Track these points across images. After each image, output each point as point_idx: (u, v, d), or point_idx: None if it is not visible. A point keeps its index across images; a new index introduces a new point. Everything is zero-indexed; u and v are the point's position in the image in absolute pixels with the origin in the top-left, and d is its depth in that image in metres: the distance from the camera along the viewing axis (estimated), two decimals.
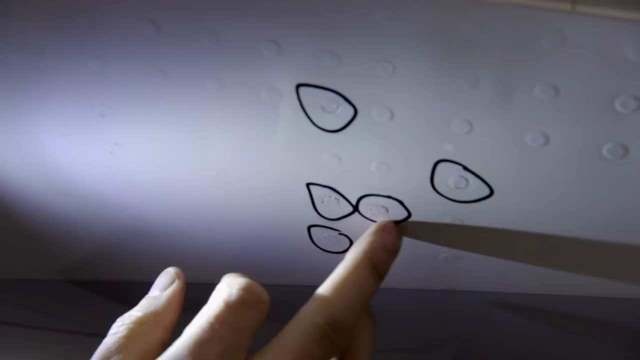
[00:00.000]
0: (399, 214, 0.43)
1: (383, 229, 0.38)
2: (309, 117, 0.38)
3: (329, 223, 0.46)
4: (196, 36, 0.35)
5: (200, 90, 0.38)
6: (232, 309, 0.32)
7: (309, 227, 0.46)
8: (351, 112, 0.37)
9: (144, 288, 0.46)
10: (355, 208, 0.44)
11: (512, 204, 0.40)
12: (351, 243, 0.48)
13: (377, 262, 0.37)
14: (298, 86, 0.36)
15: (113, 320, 0.37)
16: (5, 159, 0.46)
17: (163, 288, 0.39)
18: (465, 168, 0.38)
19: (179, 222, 0.50)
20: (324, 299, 0.34)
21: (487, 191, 0.39)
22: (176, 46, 0.35)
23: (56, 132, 0.43)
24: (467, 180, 0.39)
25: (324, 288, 0.35)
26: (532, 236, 0.42)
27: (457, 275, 0.49)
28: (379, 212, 0.44)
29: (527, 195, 0.39)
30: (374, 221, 0.44)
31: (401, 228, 0.43)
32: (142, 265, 0.55)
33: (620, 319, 0.51)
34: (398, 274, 0.50)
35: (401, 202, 0.42)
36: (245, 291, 0.33)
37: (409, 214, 0.43)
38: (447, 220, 0.43)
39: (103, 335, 0.35)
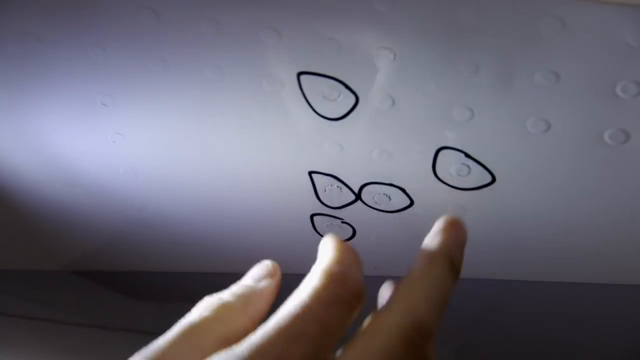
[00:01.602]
0: (401, 201, 0.43)
1: (453, 225, 0.36)
2: (310, 105, 0.38)
3: (332, 211, 0.46)
4: (196, 24, 0.35)
5: (201, 79, 0.38)
6: (325, 305, 0.30)
7: (312, 216, 0.47)
8: (353, 99, 0.37)
9: (147, 278, 0.47)
10: (358, 196, 0.44)
11: (514, 191, 0.40)
12: (354, 231, 0.48)
13: (455, 259, 0.35)
14: (299, 74, 0.36)
15: (117, 311, 0.36)
16: (8, 151, 0.46)
17: (258, 279, 0.37)
18: (467, 155, 0.38)
19: (182, 211, 0.50)
20: (407, 298, 0.31)
21: (489, 178, 0.39)
22: (177, 34, 0.36)
23: (58, 122, 0.43)
24: (469, 167, 0.39)
25: (405, 286, 0.33)
26: (534, 222, 0.42)
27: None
28: (382, 200, 0.44)
29: (529, 181, 0.39)
30: (376, 209, 0.44)
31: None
32: (145, 255, 0.55)
33: (625, 305, 0.51)
34: (401, 262, 0.50)
35: (403, 190, 0.42)
36: (344, 286, 0.31)
37: (412, 202, 0.43)
38: (449, 207, 0.43)
39: (107, 327, 0.35)
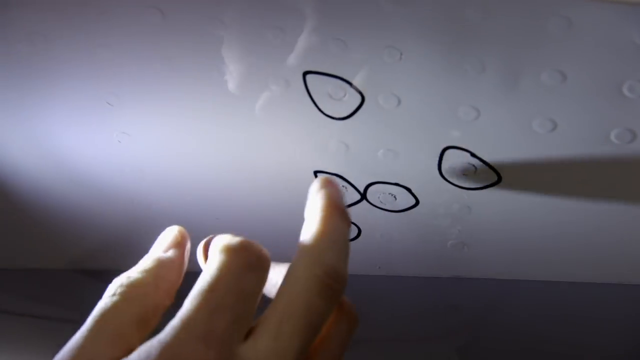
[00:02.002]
0: (407, 201, 0.43)
1: (328, 181, 0.36)
2: (316, 105, 0.38)
3: None
4: (202, 23, 0.35)
5: (207, 78, 0.38)
6: (236, 274, 0.29)
7: None
8: (358, 99, 0.37)
9: None
10: (363, 196, 0.44)
11: (520, 190, 0.40)
12: (359, 231, 0.48)
13: (344, 207, 0.35)
14: (305, 73, 0.36)
15: None
16: (15, 149, 0.46)
17: (166, 249, 0.36)
18: (472, 154, 0.38)
19: (187, 210, 0.50)
20: (313, 250, 0.31)
21: (494, 177, 0.39)
22: (182, 34, 0.36)
23: (64, 121, 0.43)
24: (474, 166, 0.39)
25: (308, 241, 0.32)
26: (539, 222, 0.42)
27: (465, 263, 0.49)
28: (387, 200, 0.44)
29: (535, 181, 0.39)
30: (381, 209, 0.44)
31: None
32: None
33: (629, 305, 0.51)
34: (406, 262, 0.50)
35: (409, 190, 0.42)
36: (246, 252, 0.31)
37: (417, 201, 0.43)
38: (455, 207, 0.43)
39: None
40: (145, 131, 0.43)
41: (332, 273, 0.30)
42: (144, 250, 0.55)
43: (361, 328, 0.43)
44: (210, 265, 0.30)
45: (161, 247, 0.35)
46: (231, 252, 0.30)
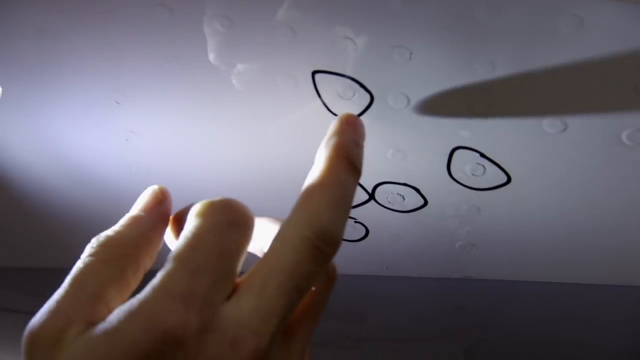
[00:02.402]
0: (415, 201, 0.43)
1: (347, 122, 0.33)
2: (325, 104, 0.38)
3: None
4: (210, 21, 0.35)
5: (215, 77, 0.38)
6: (218, 232, 0.28)
7: None
8: (367, 98, 0.37)
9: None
10: (371, 196, 0.43)
11: (530, 191, 0.40)
12: (367, 231, 0.48)
13: (353, 159, 0.31)
14: (314, 73, 0.36)
15: None
16: (22, 148, 0.46)
17: (147, 208, 0.34)
18: (482, 155, 0.38)
19: None
20: (308, 207, 0.29)
21: (504, 178, 0.39)
22: (190, 32, 0.35)
23: (72, 120, 0.43)
24: (484, 167, 0.39)
25: (305, 196, 0.30)
26: (549, 223, 0.42)
27: (473, 264, 0.49)
28: (395, 200, 0.43)
29: (545, 182, 0.39)
30: (390, 209, 0.44)
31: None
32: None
33: (638, 307, 0.51)
34: (414, 262, 0.50)
35: (417, 190, 0.42)
36: (229, 209, 0.30)
37: (426, 202, 0.43)
38: (463, 208, 0.42)
39: None
40: (152, 130, 0.43)
41: (323, 235, 0.28)
42: None
43: (368, 328, 0.43)
44: (190, 224, 0.29)
45: (141, 206, 0.33)
46: (213, 209, 0.29)
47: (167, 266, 0.27)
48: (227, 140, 0.42)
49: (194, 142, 0.43)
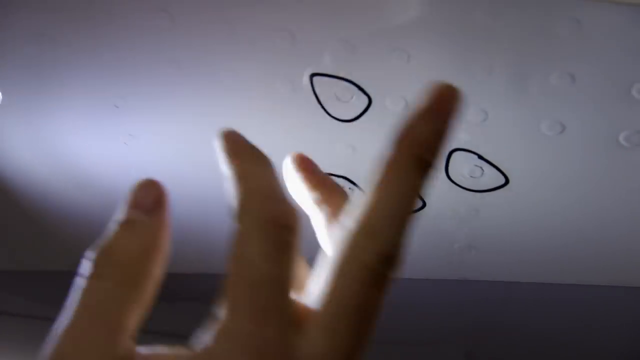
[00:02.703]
0: None
1: (440, 101, 0.24)
2: (323, 107, 0.38)
3: None
4: (210, 27, 0.35)
5: (215, 81, 0.38)
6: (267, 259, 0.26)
7: None
8: (366, 101, 0.37)
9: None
10: None
11: (528, 193, 0.40)
12: None
13: (425, 156, 0.24)
14: (312, 76, 0.36)
15: None
16: (21, 152, 0.46)
17: (149, 208, 0.28)
18: (480, 157, 0.38)
19: (193, 213, 0.50)
20: (369, 227, 0.25)
21: (502, 180, 0.39)
22: (191, 37, 0.35)
23: (71, 123, 0.43)
24: (482, 169, 0.39)
25: (362, 210, 0.25)
26: (547, 224, 0.42)
27: (472, 265, 0.49)
28: None
29: (543, 183, 0.39)
30: None
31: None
32: None
33: (636, 307, 0.51)
34: (412, 264, 0.50)
35: None
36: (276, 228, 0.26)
37: (424, 204, 0.43)
38: (462, 209, 0.43)
39: None
40: (151, 134, 0.43)
41: (385, 260, 0.24)
42: None
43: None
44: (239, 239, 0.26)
45: (142, 206, 0.28)
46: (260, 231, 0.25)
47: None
48: None
49: (191, 146, 0.43)
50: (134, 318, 0.24)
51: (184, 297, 0.53)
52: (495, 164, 0.38)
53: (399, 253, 0.24)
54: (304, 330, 0.25)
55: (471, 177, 0.40)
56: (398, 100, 0.36)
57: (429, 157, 0.22)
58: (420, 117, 0.22)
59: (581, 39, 0.31)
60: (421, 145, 0.23)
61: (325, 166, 0.41)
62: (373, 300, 0.25)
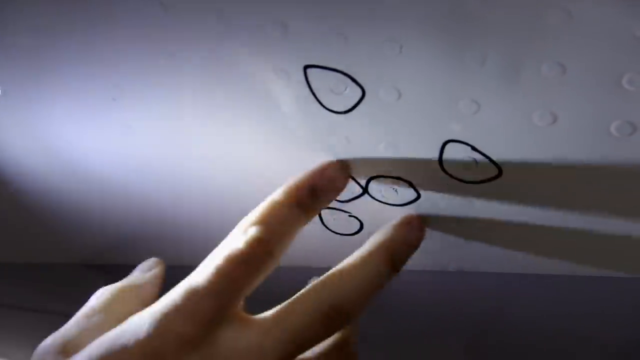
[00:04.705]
0: (409, 195, 0.43)
1: (408, 223, 0.37)
2: (317, 99, 0.38)
3: (339, 205, 0.46)
4: (203, 17, 0.35)
5: (209, 73, 0.38)
6: (236, 264, 0.32)
7: None
8: (359, 93, 0.37)
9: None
10: (365, 190, 0.44)
11: (521, 184, 0.40)
12: (361, 225, 0.48)
13: (396, 256, 0.36)
14: (305, 67, 0.37)
15: None
16: (18, 144, 0.47)
17: (145, 271, 0.41)
18: (473, 148, 0.38)
19: (188, 205, 0.50)
20: (334, 282, 0.34)
21: (495, 171, 0.39)
22: (184, 27, 0.36)
23: (67, 115, 0.43)
24: (475, 160, 0.39)
25: (337, 271, 0.35)
26: (540, 215, 0.42)
27: (468, 256, 0.49)
28: (389, 194, 0.44)
29: (536, 174, 0.39)
30: (383, 203, 0.44)
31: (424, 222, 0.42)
32: (156, 248, 0.55)
33: (634, 298, 0.51)
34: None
35: (410, 183, 0.42)
36: (257, 245, 0.33)
37: (419, 195, 0.43)
38: (456, 201, 0.43)
39: None
40: (148, 126, 0.43)
41: (338, 308, 0.32)
42: (148, 245, 0.56)
43: (362, 323, 0.43)
44: (220, 246, 0.35)
45: (142, 269, 0.42)
46: (246, 244, 0.33)
47: (182, 283, 0.33)
48: (220, 136, 0.42)
49: (188, 138, 0.43)
50: None
51: None
52: (488, 155, 0.39)
53: (351, 313, 0.33)
54: (248, 325, 0.30)
55: (465, 168, 0.40)
56: (391, 91, 0.36)
57: (398, 261, 0.36)
58: (399, 226, 0.37)
59: (572, 29, 0.31)
60: (397, 249, 0.36)
61: (320, 158, 0.41)
62: (311, 335, 0.32)
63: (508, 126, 0.36)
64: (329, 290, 0.34)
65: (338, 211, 0.47)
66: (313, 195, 0.35)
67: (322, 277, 0.35)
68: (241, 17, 0.35)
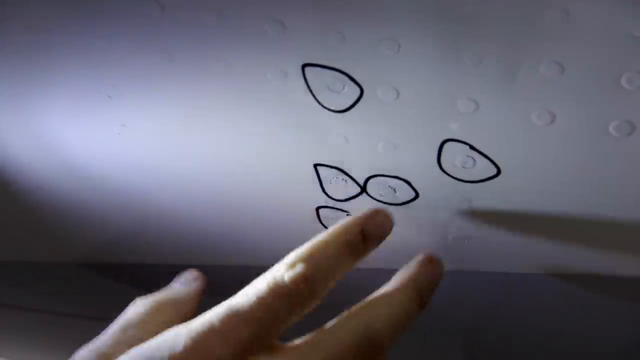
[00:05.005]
0: (407, 194, 0.43)
1: (431, 261, 0.37)
2: (315, 98, 0.38)
3: (337, 204, 0.46)
4: (201, 16, 0.35)
5: (207, 71, 0.38)
6: (279, 296, 0.31)
7: (317, 209, 0.47)
8: (357, 91, 0.37)
9: (155, 270, 0.46)
10: (363, 189, 0.44)
11: (520, 183, 0.40)
12: None
13: (423, 293, 0.36)
14: (304, 66, 0.36)
15: (126, 304, 0.37)
16: (16, 144, 0.47)
17: (185, 283, 0.40)
18: (471, 147, 0.38)
19: (186, 204, 0.50)
20: (370, 313, 0.34)
21: (494, 170, 0.39)
22: (181, 26, 0.36)
23: (64, 114, 0.43)
24: (473, 159, 0.39)
25: (367, 304, 0.35)
26: (539, 215, 0.42)
27: (467, 256, 0.49)
28: (387, 193, 0.44)
29: (534, 173, 0.39)
30: (382, 202, 0.44)
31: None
32: (154, 247, 0.55)
33: (633, 298, 0.51)
34: (405, 255, 0.50)
35: (409, 183, 0.42)
36: (301, 282, 0.33)
37: (417, 194, 0.43)
38: (455, 200, 0.43)
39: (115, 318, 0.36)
40: (144, 124, 0.43)
41: (371, 340, 0.32)
42: (147, 243, 0.56)
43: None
44: (265, 275, 0.33)
45: (180, 281, 0.41)
46: (291, 280, 0.32)
47: (221, 305, 0.31)
48: (218, 135, 0.42)
49: (185, 136, 0.43)
50: None
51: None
52: (487, 154, 0.38)
53: (383, 345, 0.32)
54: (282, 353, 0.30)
55: (463, 167, 0.40)
56: (389, 91, 0.36)
57: (425, 298, 0.36)
58: (426, 264, 0.37)
59: (570, 29, 0.31)
60: (423, 285, 0.36)
61: (318, 157, 0.41)
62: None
63: (506, 125, 0.36)
64: (361, 322, 0.33)
65: (337, 210, 0.46)
66: (363, 238, 0.35)
67: (352, 309, 0.34)
68: (238, 16, 0.35)
